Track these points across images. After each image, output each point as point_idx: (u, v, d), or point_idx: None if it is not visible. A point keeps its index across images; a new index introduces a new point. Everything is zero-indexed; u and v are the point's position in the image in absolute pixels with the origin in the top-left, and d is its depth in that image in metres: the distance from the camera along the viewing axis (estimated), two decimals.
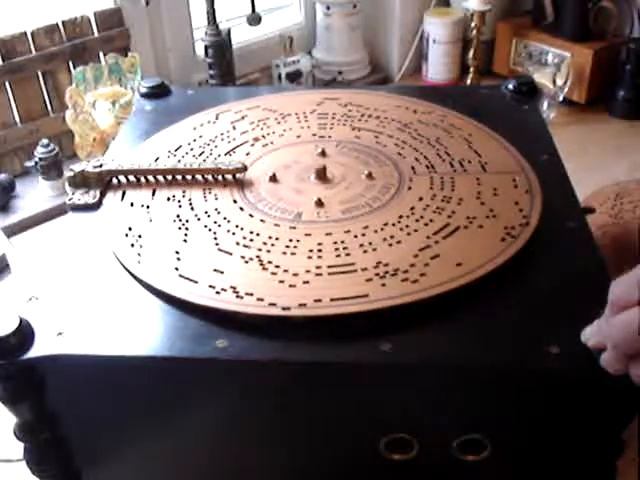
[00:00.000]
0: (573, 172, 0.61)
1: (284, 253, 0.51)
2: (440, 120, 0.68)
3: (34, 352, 0.44)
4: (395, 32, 1.39)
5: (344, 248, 0.52)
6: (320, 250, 0.51)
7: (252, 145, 0.65)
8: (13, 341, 0.44)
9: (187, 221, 0.56)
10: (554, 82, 1.23)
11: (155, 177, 0.60)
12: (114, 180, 0.60)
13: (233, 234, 0.54)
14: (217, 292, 0.48)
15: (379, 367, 0.44)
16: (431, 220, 0.54)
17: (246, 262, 0.51)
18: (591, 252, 0.52)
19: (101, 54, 1.10)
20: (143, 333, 0.46)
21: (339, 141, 0.65)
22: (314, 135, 0.67)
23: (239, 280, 0.49)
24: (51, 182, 1.05)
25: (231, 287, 0.48)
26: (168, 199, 0.58)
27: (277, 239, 0.53)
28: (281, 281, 0.49)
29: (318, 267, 0.50)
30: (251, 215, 0.56)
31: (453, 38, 1.35)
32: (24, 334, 0.45)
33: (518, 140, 0.64)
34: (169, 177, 0.60)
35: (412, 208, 0.56)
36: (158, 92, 0.75)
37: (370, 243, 0.52)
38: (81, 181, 0.60)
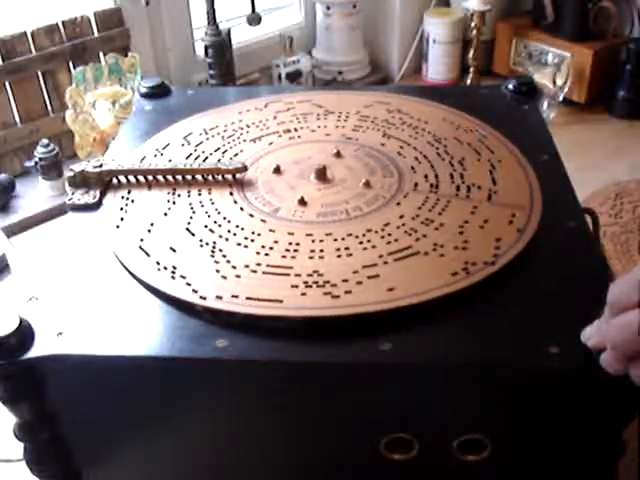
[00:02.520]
0: (573, 172, 0.61)
1: (238, 244, 0.52)
2: (478, 140, 0.64)
3: (34, 352, 0.44)
4: (395, 32, 1.40)
5: (295, 250, 0.51)
6: (272, 248, 0.51)
7: (279, 136, 0.66)
8: (13, 341, 0.44)
9: (179, 196, 0.57)
10: (554, 82, 1.23)
11: (155, 177, 0.60)
12: (114, 180, 0.60)
13: (209, 216, 0.55)
14: (158, 269, 0.49)
15: (379, 367, 0.44)
16: (396, 240, 0.51)
17: (201, 246, 0.51)
18: (591, 252, 0.52)
19: (101, 54, 1.10)
20: (143, 333, 0.46)
21: (361, 145, 0.64)
22: (343, 136, 0.66)
23: (182, 262, 0.50)
24: (51, 182, 1.05)
25: (172, 267, 0.49)
26: None
27: (242, 229, 0.53)
28: (217, 270, 0.49)
29: (258, 264, 0.49)
30: (235, 202, 0.57)
31: (453, 38, 1.35)
32: (24, 334, 0.45)
33: (518, 140, 0.63)
34: (169, 177, 0.60)
35: (386, 224, 0.53)
36: (158, 92, 0.75)
37: (322, 250, 0.51)
38: (81, 181, 0.60)
